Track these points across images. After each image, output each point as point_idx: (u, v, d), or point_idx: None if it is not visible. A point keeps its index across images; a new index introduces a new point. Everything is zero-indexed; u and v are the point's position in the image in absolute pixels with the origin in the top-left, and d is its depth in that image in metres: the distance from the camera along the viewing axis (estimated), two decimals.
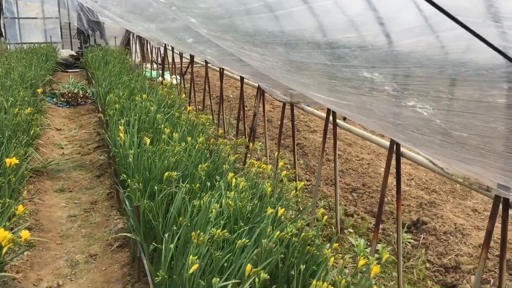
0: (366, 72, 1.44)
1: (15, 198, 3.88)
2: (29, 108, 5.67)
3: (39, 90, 7.49)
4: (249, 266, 2.32)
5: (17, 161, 3.84)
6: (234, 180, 3.45)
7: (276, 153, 4.67)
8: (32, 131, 5.34)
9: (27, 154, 4.68)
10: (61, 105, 9.66)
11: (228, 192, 3.28)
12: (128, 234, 3.53)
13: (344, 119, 4.04)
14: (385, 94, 1.51)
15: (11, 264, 3.62)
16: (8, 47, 14.68)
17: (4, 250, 2.73)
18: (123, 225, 4.40)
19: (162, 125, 4.94)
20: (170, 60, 10.46)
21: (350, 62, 1.44)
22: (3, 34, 15.28)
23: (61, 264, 3.86)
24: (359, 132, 4.07)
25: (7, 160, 3.77)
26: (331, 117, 4.08)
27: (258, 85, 5.32)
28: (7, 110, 5.65)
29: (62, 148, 7.00)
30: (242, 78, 6.21)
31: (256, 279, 2.22)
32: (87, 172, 5.97)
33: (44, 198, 5.09)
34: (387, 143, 3.59)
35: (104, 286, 3.54)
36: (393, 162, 3.41)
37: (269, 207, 3.13)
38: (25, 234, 2.84)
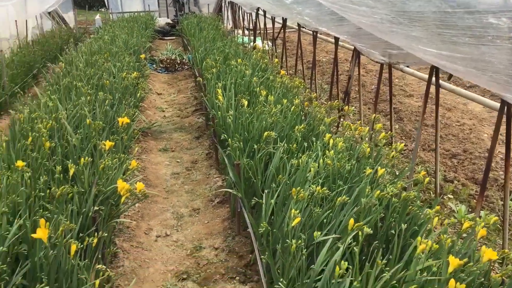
0: (492, 18, 1.36)
1: (127, 155, 4.23)
2: (135, 73, 6.06)
3: (142, 56, 7.94)
4: (351, 220, 2.36)
5: (128, 120, 4.16)
6: (331, 140, 3.48)
7: (373, 115, 4.59)
8: (138, 94, 5.71)
9: (135, 115, 5.03)
10: (160, 71, 10.17)
11: (326, 151, 3.33)
12: (230, 190, 3.72)
13: (450, 77, 3.85)
14: (511, 42, 1.43)
15: (125, 214, 3.99)
16: (111, 16, 15.64)
17: (122, 199, 3.02)
18: (222, 183, 4.63)
19: (258, 88, 5.05)
20: (261, 25, 10.51)
21: (475, 7, 1.37)
22: (106, 4, 16.27)
23: (168, 216, 4.18)
24: (464, 92, 3.87)
25: (120, 120, 4.10)
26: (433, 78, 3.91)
27: (354, 47, 5.21)
28: (115, 74, 6.09)
29: (163, 111, 7.42)
30: (336, 40, 6.10)
31: (360, 233, 2.26)
32: (187, 134, 6.30)
33: (150, 157, 5.48)
34: (496, 104, 3.39)
35: (207, 238, 3.79)
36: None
37: (367, 168, 3.13)
38: (140, 185, 3.11)
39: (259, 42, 11.09)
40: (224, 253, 3.55)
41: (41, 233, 2.15)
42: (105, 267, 2.83)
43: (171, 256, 3.56)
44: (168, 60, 10.31)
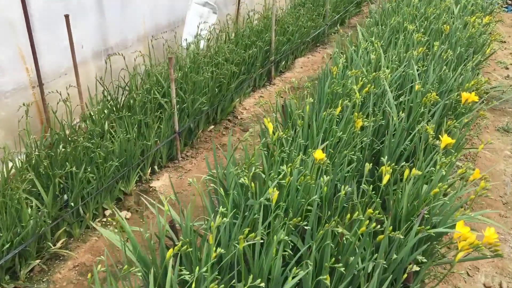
0: None
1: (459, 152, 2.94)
2: (487, 17, 4.43)
3: None
4: None
5: (476, 99, 2.80)
6: None
7: None
8: (488, 49, 4.13)
9: (479, 84, 3.55)
10: (506, 9, 7.96)
11: None
12: None
13: None
14: None
15: None
16: None
17: (459, 256, 1.82)
18: None
19: None
20: None
21: None
22: None
23: (505, 250, 2.79)
24: None
25: (464, 95, 2.79)
26: None
27: None
28: (456, 17, 4.61)
29: (507, 68, 5.57)
30: None
31: None
32: None
33: (482, 137, 4.01)
34: None
35: None
36: None
37: None
38: (491, 235, 1.85)
39: None
40: None
41: None
42: None
43: None
44: None
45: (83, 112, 3.61)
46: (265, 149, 2.50)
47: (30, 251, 2.67)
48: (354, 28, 6.51)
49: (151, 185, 3.48)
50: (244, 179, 1.93)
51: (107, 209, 3.22)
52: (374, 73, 3.09)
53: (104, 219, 3.16)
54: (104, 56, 4.11)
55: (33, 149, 3.09)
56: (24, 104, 3.20)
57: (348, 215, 1.81)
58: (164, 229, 2.00)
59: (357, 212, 1.79)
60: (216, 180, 2.46)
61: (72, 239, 2.94)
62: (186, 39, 4.60)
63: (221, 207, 1.97)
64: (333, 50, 4.88)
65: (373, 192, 2.14)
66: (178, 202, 2.21)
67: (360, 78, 3.04)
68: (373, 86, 2.90)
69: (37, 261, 2.70)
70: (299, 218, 1.75)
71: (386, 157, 2.26)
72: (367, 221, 1.73)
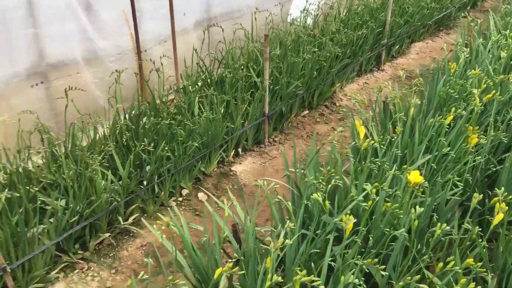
0: None
1: None
2: None
3: None
4: None
5: None
6: None
7: None
8: None
9: None
10: None
11: None
12: None
13: None
14: None
15: None
16: None
17: None
18: None
19: None
20: None
21: None
22: None
23: None
24: None
25: None
26: None
27: None
28: None
29: None
30: None
31: None
32: None
33: None
34: None
35: None
36: None
37: None
38: None
39: None
40: None
41: None
42: None
43: None
44: None
45: (177, 83, 3.52)
46: (354, 154, 2.18)
47: (100, 224, 2.64)
48: (487, 13, 5.69)
49: (232, 168, 3.31)
50: (318, 195, 1.63)
51: (184, 188, 3.12)
52: (502, 76, 2.55)
53: (180, 198, 3.06)
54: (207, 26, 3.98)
55: (121, 118, 3.06)
56: (116, 70, 3.17)
57: (440, 264, 1.44)
58: (221, 238, 1.80)
59: (452, 262, 1.42)
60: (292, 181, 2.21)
61: (145, 215, 2.88)
62: (291, 14, 4.29)
63: (288, 221, 1.71)
64: (456, 37, 4.26)
65: (480, 229, 1.73)
66: (244, 202, 1.99)
67: (484, 81, 2.53)
68: (498, 93, 2.38)
69: (107, 234, 2.67)
70: (375, 260, 1.43)
71: (503, 187, 1.81)
72: (464, 280, 1.36)
